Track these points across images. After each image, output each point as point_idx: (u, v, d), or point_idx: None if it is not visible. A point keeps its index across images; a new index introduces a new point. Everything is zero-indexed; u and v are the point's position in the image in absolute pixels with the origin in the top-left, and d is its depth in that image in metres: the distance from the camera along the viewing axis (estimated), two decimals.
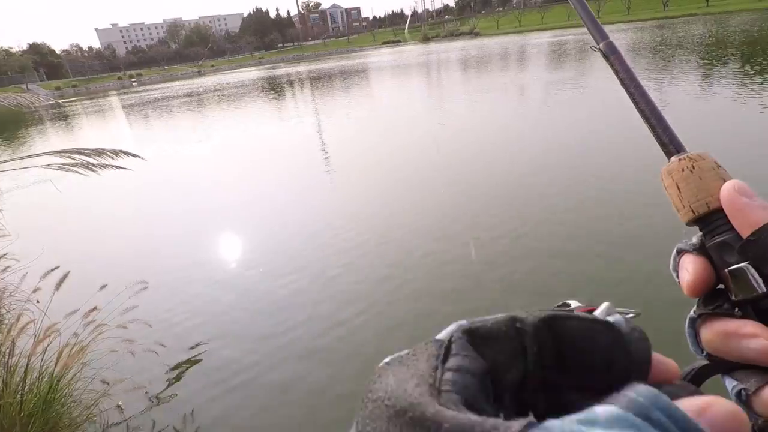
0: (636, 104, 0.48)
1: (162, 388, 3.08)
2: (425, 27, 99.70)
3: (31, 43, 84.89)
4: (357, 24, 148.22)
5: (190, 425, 2.75)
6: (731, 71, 11.74)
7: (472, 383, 0.18)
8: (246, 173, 8.75)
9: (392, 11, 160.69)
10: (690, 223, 0.38)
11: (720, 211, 0.36)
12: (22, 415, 2.24)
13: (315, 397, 2.86)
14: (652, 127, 0.46)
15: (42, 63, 79.09)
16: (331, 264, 4.52)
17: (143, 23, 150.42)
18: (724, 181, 0.37)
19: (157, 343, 3.35)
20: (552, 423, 0.15)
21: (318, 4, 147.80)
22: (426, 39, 79.00)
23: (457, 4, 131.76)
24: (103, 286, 2.88)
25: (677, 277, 0.37)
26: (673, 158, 0.42)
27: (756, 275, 0.32)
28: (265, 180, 8.07)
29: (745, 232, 0.33)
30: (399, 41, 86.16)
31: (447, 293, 3.74)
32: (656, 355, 0.22)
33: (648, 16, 50.20)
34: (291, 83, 29.04)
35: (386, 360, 0.20)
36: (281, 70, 46.59)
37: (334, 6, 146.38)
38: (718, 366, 0.34)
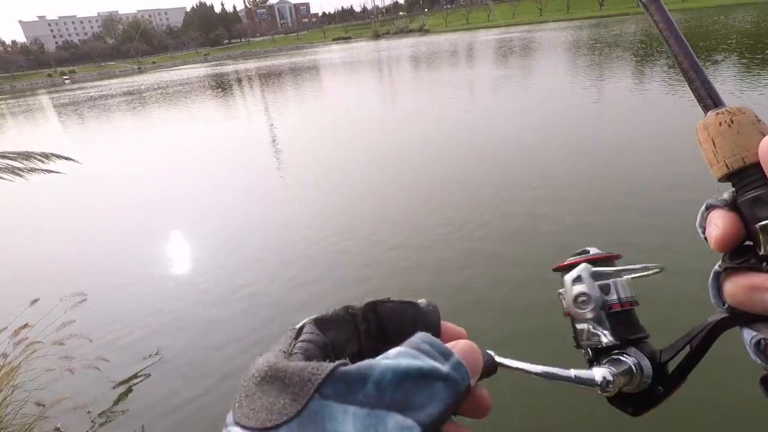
0: (675, 56, 0.45)
1: (107, 406, 2.89)
2: (375, 24, 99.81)
3: None
4: (306, 20, 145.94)
5: None
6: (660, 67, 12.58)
7: (317, 351, 0.25)
8: (192, 174, 8.39)
9: (342, 7, 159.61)
10: (722, 179, 0.37)
11: (756, 165, 0.35)
12: None
13: None
14: (690, 80, 0.44)
15: None
16: (284, 265, 4.42)
17: (75, 16, 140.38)
18: (764, 136, 0.35)
19: (99, 358, 3.12)
20: (358, 363, 0.22)
21: (265, 0, 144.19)
22: (376, 36, 79.15)
23: (406, 1, 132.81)
24: (35, 301, 2.65)
25: (703, 233, 0.36)
26: (710, 112, 0.40)
27: None
28: (212, 181, 7.76)
29: None
30: (350, 38, 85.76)
31: (404, 290, 3.76)
32: (447, 324, 0.30)
33: (586, 14, 53.16)
34: (239, 81, 28.18)
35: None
36: (229, 67, 45.09)
37: (283, 2, 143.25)
38: (739, 318, 0.34)
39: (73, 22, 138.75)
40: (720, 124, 0.38)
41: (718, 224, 0.35)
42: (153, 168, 9.33)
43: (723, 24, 23.12)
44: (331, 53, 47.16)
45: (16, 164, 3.37)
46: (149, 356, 3.31)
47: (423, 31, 72.58)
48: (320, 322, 0.28)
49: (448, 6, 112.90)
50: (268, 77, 27.49)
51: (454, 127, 9.30)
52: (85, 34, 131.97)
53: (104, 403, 2.91)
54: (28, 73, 71.63)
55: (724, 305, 0.35)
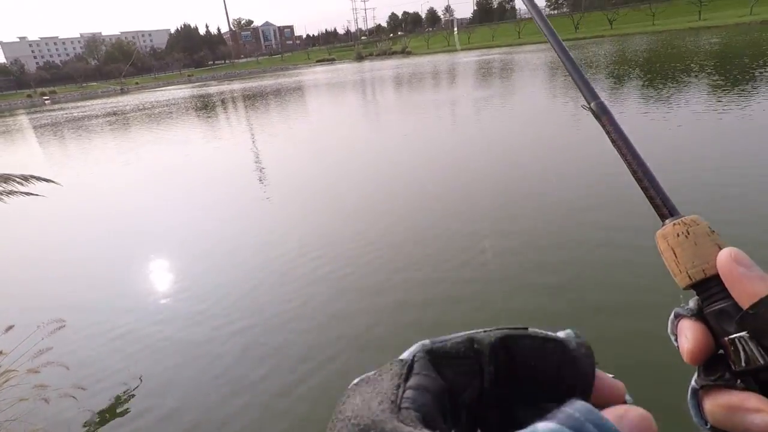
0: (628, 165, 0.48)
1: None
2: (359, 46, 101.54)
3: None
4: (290, 42, 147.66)
5: None
6: (635, 87, 13.05)
7: (431, 401, 0.20)
8: (175, 198, 8.32)
9: (326, 29, 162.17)
10: (687, 288, 0.39)
11: (717, 277, 0.36)
12: None
13: (258, 411, 2.74)
14: (644, 189, 0.46)
15: None
16: (265, 290, 4.39)
17: (57, 37, 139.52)
18: (719, 248, 0.37)
19: (75, 386, 3.04)
20: None
21: (250, 22, 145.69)
22: (360, 58, 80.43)
23: (389, 24, 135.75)
24: (10, 327, 2.59)
25: (675, 341, 0.37)
26: (667, 221, 0.42)
27: (756, 347, 0.32)
28: (195, 204, 7.70)
29: (744, 303, 0.33)
30: (333, 59, 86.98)
31: (391, 309, 3.76)
32: (603, 374, 0.24)
33: (562, 37, 55.00)
34: (224, 102, 28.20)
35: (355, 381, 0.22)
36: (213, 89, 45.14)
37: (267, 24, 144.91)
38: None
39: (55, 43, 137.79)
40: (678, 234, 0.40)
41: (689, 336, 0.35)
42: (135, 191, 9.22)
43: (692, 45, 24.21)
44: (315, 75, 47.69)
45: None
46: (128, 383, 3.24)
47: (406, 52, 74.06)
48: (436, 357, 0.22)
49: (430, 29, 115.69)
50: (253, 98, 27.60)
51: (438, 146, 9.45)
52: (67, 55, 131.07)
53: None
54: (7, 93, 70.53)
55: (706, 425, 0.35)
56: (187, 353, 3.51)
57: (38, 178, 3.73)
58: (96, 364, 3.48)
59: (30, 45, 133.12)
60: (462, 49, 59.71)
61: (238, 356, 3.40)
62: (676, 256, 0.40)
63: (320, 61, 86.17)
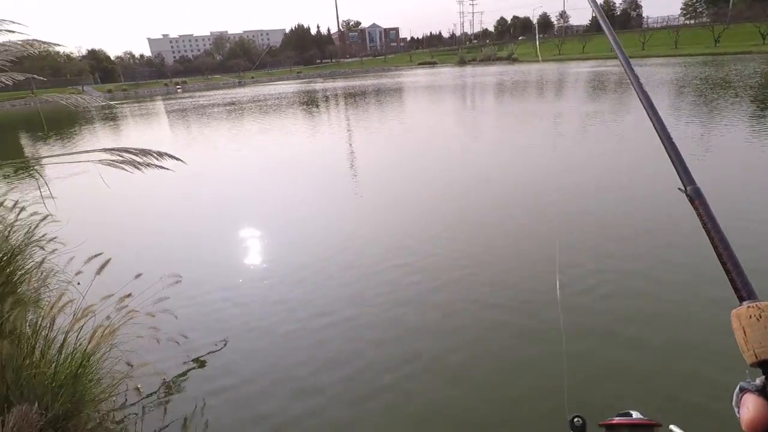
0: (715, 248, 0.52)
1: (179, 377, 3.25)
2: (462, 50, 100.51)
3: (90, 49, 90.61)
4: (394, 44, 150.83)
5: (200, 415, 2.89)
6: None
7: None
8: (280, 185, 9.04)
9: (430, 33, 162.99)
10: (753, 365, 0.43)
11: None
12: (54, 385, 2.43)
13: (326, 399, 2.96)
14: (728, 272, 0.50)
15: (98, 68, 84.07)
16: (347, 273, 4.66)
17: (192, 35, 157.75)
18: None
19: (180, 334, 3.54)
20: None
21: (358, 23, 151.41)
22: (462, 62, 79.59)
23: (496, 29, 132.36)
24: (139, 275, 3.09)
25: (738, 412, 0.42)
26: (744, 303, 0.47)
27: None
28: (296, 190, 8.34)
29: None
30: (435, 63, 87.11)
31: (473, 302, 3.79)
32: None
33: (697, 51, 48.15)
34: (327, 98, 29.76)
35: None
36: (318, 85, 47.82)
37: (374, 26, 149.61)
38: None
39: (189, 40, 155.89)
40: (750, 316, 0.45)
41: (750, 408, 0.39)
42: (242, 175, 10.19)
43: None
44: (416, 77, 48.26)
45: (137, 159, 3.95)
46: (219, 341, 3.67)
47: (512, 59, 71.75)
48: None
49: (541, 35, 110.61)
50: (354, 96, 28.79)
51: (538, 160, 9.14)
52: (198, 50, 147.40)
53: (178, 374, 3.28)
54: (150, 82, 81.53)
55: None
56: (272, 331, 3.86)
57: (170, 155, 4.36)
58: (198, 319, 3.99)
59: (170, 41, 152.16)
60: (543, 60, 55.79)
61: (320, 339, 3.67)
62: (745, 335, 0.44)
63: (422, 64, 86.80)
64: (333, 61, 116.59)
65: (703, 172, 6.98)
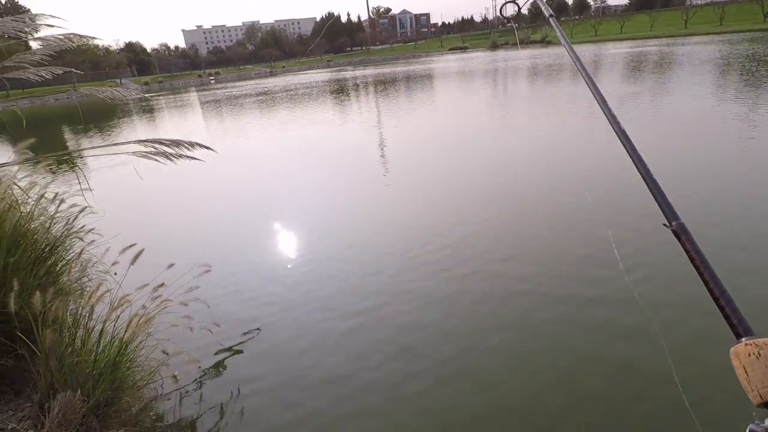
0: (705, 283, 0.51)
1: (213, 365, 3.31)
2: (495, 34, 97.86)
3: (126, 42, 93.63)
4: (425, 30, 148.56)
5: (234, 402, 2.94)
6: None
7: None
8: (310, 174, 9.09)
9: (462, 17, 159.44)
10: (759, 406, 0.41)
11: None
12: (94, 372, 2.51)
13: (358, 387, 2.95)
14: (721, 308, 0.49)
15: (135, 60, 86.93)
16: (379, 261, 4.62)
17: (224, 25, 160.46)
18: None
19: (213, 323, 3.60)
20: None
21: (388, 10, 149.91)
22: (494, 46, 77.59)
23: (530, 11, 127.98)
24: (171, 265, 3.14)
25: None
26: (742, 340, 0.45)
27: None
28: (327, 179, 8.36)
29: None
30: (466, 47, 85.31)
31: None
32: None
33: (744, 27, 45.44)
34: (357, 86, 29.67)
35: None
36: (349, 73, 47.75)
37: (404, 12, 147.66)
38: None
39: (222, 31, 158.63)
40: (749, 354, 0.43)
41: None
42: (276, 165, 10.31)
43: None
44: (447, 63, 47.42)
45: (170, 150, 4.01)
46: (250, 330, 3.71)
47: (545, 42, 69.36)
48: None
49: (576, 17, 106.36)
50: (384, 83, 28.57)
51: (572, 146, 8.81)
52: (231, 40, 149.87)
53: (211, 362, 3.34)
54: (184, 73, 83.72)
55: None
56: (303, 320, 3.88)
57: (201, 145, 4.41)
58: (229, 308, 4.06)
59: (204, 32, 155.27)
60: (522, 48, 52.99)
61: (352, 325, 3.66)
62: (747, 375, 0.42)
63: (453, 49, 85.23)
64: (363, 48, 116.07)
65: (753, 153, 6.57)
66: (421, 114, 15.07)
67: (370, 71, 47.50)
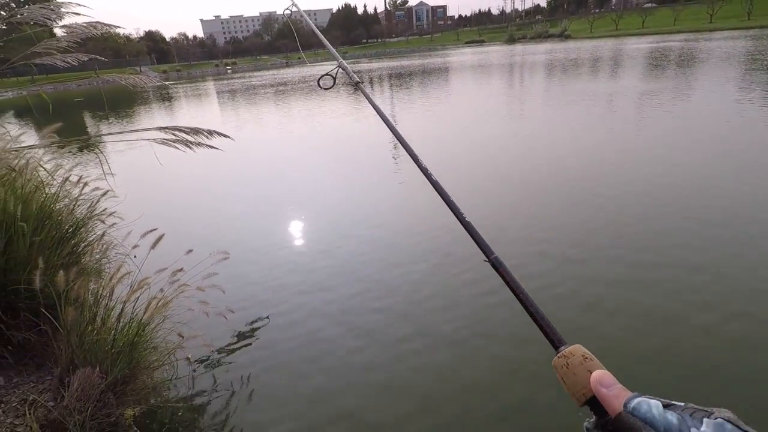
0: (523, 305, 0.58)
1: (226, 350, 3.39)
2: (512, 27, 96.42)
3: (147, 30, 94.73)
4: (442, 22, 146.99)
5: (245, 387, 3.01)
6: None
7: None
8: (326, 163, 9.14)
9: (479, 10, 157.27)
10: (582, 406, 0.48)
11: (595, 397, 0.46)
12: (112, 351, 2.59)
13: (374, 379, 3.00)
14: (537, 323, 0.56)
15: (154, 49, 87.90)
16: (394, 253, 4.65)
17: (242, 16, 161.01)
18: (590, 373, 0.47)
19: (227, 309, 3.66)
20: None
21: (405, 1, 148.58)
22: (512, 40, 76.52)
23: (549, 4, 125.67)
24: (190, 251, 3.21)
25: None
26: (558, 351, 0.52)
27: None
28: (343, 171, 8.40)
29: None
30: (483, 41, 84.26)
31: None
32: None
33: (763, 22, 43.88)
34: (371, 80, 29.57)
35: None
36: (364, 66, 47.56)
37: (421, 4, 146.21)
38: None
39: (239, 21, 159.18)
40: (561, 366, 0.50)
41: None
42: (293, 154, 10.37)
43: None
44: (462, 56, 46.92)
45: (189, 138, 4.08)
46: (263, 317, 3.78)
47: (564, 36, 68.15)
48: None
49: (596, 10, 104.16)
50: (399, 77, 28.43)
51: (590, 144, 8.70)
52: (248, 31, 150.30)
53: (224, 347, 3.42)
54: (202, 62, 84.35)
55: None
56: (314, 309, 3.93)
57: (219, 134, 4.47)
58: (244, 295, 4.13)
59: (221, 22, 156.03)
60: (595, 37, 51.95)
61: (369, 320, 3.70)
62: (564, 383, 0.49)
63: (469, 43, 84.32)
64: (378, 40, 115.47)
65: None
66: (441, 109, 14.98)
67: (385, 64, 47.23)
